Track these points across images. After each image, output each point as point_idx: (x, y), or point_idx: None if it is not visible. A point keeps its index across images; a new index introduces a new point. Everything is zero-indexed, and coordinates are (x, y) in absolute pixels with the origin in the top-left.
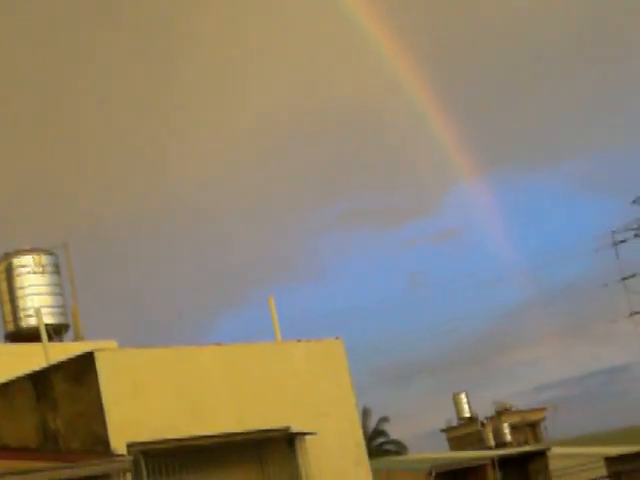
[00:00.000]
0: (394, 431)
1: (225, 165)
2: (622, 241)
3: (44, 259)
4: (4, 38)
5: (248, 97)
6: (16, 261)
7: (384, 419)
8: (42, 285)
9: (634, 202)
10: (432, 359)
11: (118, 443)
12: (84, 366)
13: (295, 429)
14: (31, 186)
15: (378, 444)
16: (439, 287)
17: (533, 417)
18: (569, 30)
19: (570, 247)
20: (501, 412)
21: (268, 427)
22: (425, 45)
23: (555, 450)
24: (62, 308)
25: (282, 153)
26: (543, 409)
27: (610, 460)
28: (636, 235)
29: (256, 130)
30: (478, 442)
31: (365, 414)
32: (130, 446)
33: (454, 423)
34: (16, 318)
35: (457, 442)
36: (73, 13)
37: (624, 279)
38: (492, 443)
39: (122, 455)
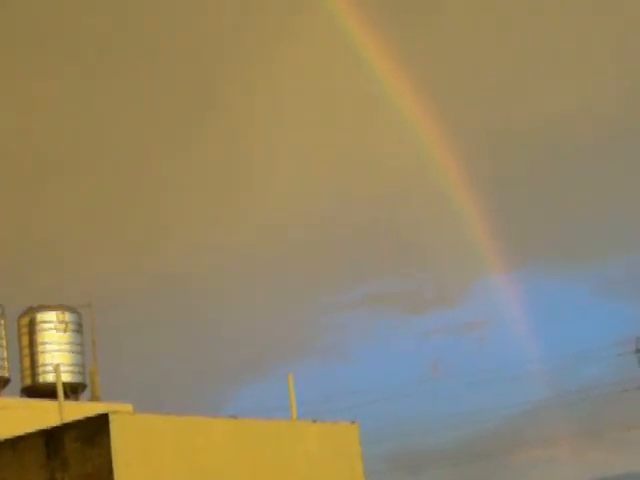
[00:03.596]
0: None
1: (256, 239)
2: None
3: (67, 317)
4: None
5: (272, 179)
6: (39, 316)
7: None
8: (63, 343)
9: None
10: (448, 450)
11: None
12: (98, 427)
13: None
14: (61, 242)
15: None
16: (459, 378)
17: None
18: (604, 132)
19: (592, 350)
20: None
21: None
22: (456, 136)
23: None
24: (81, 367)
25: (307, 232)
26: None
27: None
28: None
29: (284, 208)
30: None
31: None
32: None
33: None
34: (34, 373)
35: None
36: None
37: None
38: None
39: None
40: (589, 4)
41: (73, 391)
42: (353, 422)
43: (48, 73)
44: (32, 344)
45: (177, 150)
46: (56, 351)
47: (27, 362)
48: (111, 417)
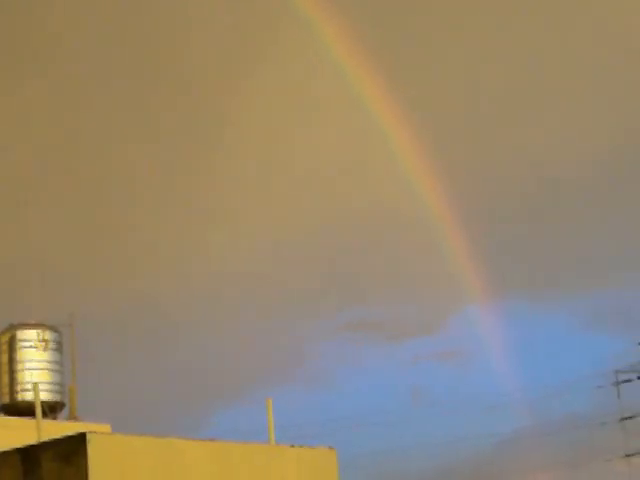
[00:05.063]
0: None
1: (233, 266)
2: (626, 381)
3: (48, 335)
4: None
5: (255, 207)
6: (20, 334)
7: None
8: (43, 361)
9: None
10: (426, 478)
11: None
12: (75, 447)
13: None
14: (44, 260)
15: None
16: (439, 405)
17: None
18: (590, 161)
19: (572, 381)
20: None
21: None
22: (442, 166)
23: None
24: (60, 386)
25: (289, 259)
26: None
27: None
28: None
29: (266, 235)
30: None
31: None
32: None
33: None
34: (13, 391)
35: None
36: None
37: (623, 419)
38: None
39: None
40: (590, 41)
41: (51, 410)
42: (331, 448)
43: (37, 86)
44: (11, 362)
45: (160, 174)
46: (35, 369)
47: (6, 379)
48: (89, 437)
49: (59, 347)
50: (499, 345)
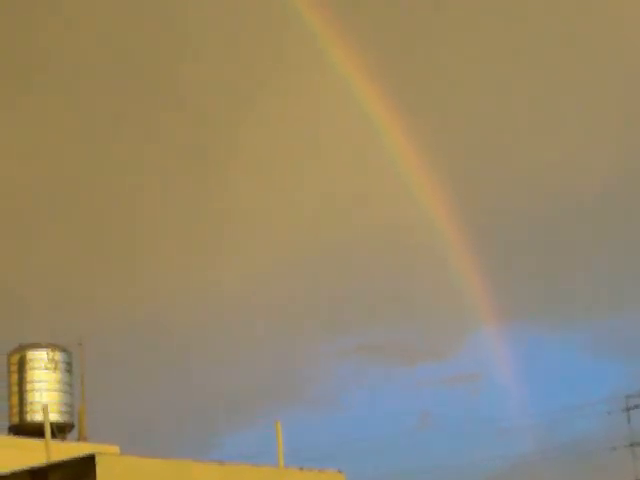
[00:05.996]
0: None
1: (241, 290)
2: (636, 406)
3: (58, 356)
4: None
5: (258, 229)
6: (30, 354)
7: None
8: (52, 382)
9: None
10: None
11: None
12: (84, 468)
13: None
14: (54, 281)
15: None
16: (448, 429)
17: None
18: (603, 184)
19: (582, 406)
20: None
21: None
22: (455, 189)
23: None
24: (69, 407)
25: (300, 280)
26: None
27: None
28: None
29: (270, 257)
30: None
31: None
32: None
33: None
34: (22, 411)
35: None
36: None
37: (632, 445)
38: None
39: None
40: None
41: (61, 431)
42: (339, 471)
43: (42, 118)
44: (21, 382)
45: (168, 197)
46: (45, 390)
47: (15, 400)
48: (98, 458)
49: (69, 368)
50: (509, 369)
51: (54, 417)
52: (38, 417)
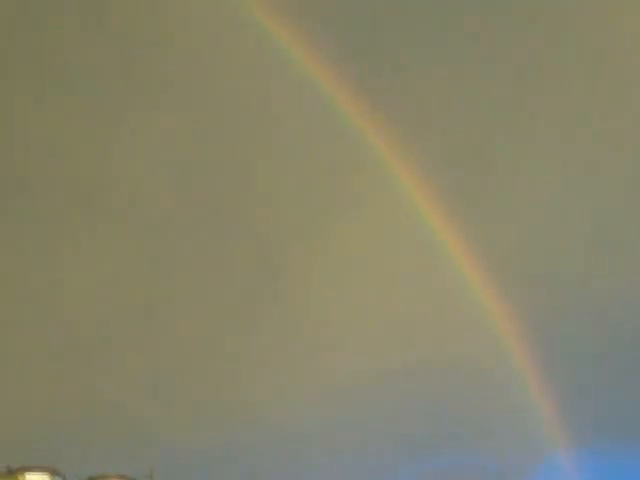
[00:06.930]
0: None
1: (323, 412)
2: None
3: None
4: None
5: (345, 350)
6: None
7: None
8: None
9: None
10: None
11: None
12: None
13: None
14: (125, 410)
15: None
16: None
17: None
18: None
19: None
20: None
21: None
22: (521, 312)
23: None
24: None
25: (375, 404)
26: None
27: None
28: None
29: (351, 378)
30: None
31: None
32: None
33: None
34: None
35: None
36: None
37: None
38: None
39: None
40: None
41: None
42: None
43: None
44: None
45: (246, 327)
46: None
47: None
48: None
49: None
50: None
51: None
52: None
